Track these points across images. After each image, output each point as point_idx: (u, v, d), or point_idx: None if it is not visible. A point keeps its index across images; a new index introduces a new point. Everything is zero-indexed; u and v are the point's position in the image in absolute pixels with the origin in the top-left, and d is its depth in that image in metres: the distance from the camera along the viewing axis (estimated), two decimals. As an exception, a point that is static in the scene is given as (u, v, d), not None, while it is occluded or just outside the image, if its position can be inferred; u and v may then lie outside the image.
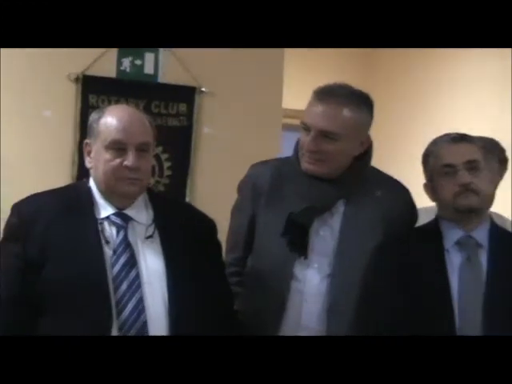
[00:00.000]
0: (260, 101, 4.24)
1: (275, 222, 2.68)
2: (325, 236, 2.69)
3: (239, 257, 2.82)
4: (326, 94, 2.64)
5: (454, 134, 2.71)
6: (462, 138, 2.68)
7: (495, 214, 3.26)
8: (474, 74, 5.24)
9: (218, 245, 2.59)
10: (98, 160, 2.40)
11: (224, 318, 2.48)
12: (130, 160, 2.37)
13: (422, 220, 2.83)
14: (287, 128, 4.56)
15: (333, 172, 2.68)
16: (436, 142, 2.72)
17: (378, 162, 2.84)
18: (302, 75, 4.88)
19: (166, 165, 4.08)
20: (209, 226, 2.57)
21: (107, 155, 2.38)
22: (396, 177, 2.86)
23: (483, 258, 2.63)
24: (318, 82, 2.75)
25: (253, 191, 2.78)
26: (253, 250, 2.78)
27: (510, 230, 3.18)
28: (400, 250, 2.65)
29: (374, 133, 2.76)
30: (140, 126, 2.42)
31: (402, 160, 4.69)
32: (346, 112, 2.62)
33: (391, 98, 5.82)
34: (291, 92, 4.43)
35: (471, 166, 2.63)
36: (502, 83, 5.02)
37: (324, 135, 2.62)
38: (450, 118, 5.14)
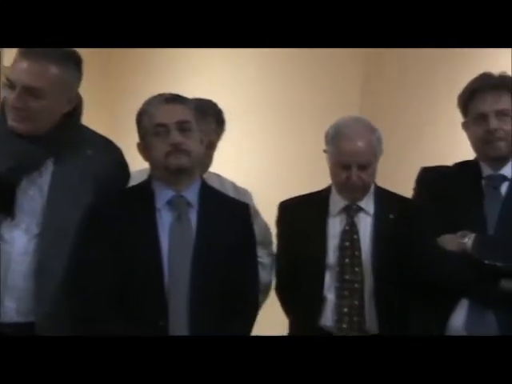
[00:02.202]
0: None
1: None
2: (33, 196, 2.64)
3: None
4: (30, 50, 2.59)
5: (167, 94, 2.74)
6: (174, 99, 2.72)
7: (213, 173, 3.34)
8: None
9: None
10: None
11: None
12: None
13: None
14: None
15: (39, 130, 2.63)
16: (150, 102, 2.74)
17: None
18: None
19: None
20: None
21: None
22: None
23: (193, 216, 2.69)
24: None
25: None
26: None
27: (227, 189, 3.27)
28: (110, 209, 2.66)
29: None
30: None
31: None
32: (51, 68, 2.58)
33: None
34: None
35: (182, 126, 2.67)
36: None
37: (29, 92, 2.57)
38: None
